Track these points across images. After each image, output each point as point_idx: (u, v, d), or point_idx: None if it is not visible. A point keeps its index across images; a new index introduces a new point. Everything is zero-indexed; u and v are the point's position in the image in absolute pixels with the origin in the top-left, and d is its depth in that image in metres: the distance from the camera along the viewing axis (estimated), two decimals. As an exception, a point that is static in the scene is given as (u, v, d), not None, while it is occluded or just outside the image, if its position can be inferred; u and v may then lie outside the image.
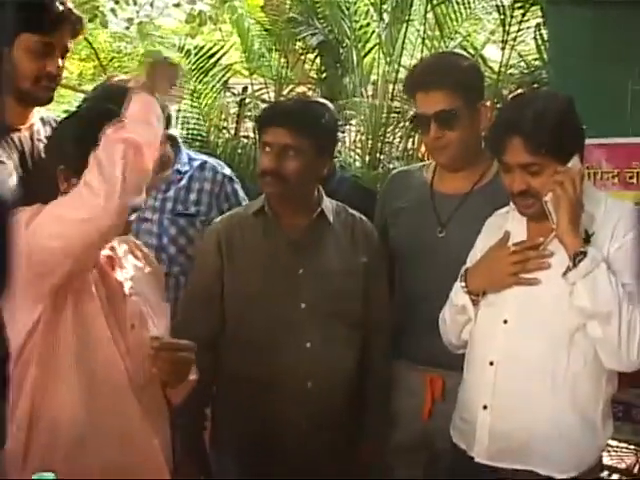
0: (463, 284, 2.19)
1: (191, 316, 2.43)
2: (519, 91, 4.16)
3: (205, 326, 2.40)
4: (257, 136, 2.49)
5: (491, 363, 2.12)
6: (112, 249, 2.02)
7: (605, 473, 3.44)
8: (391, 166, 4.79)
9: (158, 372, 1.95)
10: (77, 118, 2.08)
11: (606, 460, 2.98)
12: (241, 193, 2.88)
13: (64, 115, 2.40)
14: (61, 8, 2.21)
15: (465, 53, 4.93)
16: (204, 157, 2.97)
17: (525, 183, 2.06)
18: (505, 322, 2.13)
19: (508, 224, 2.21)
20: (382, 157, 4.97)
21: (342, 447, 2.43)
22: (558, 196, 2.01)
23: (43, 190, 1.99)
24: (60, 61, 2.25)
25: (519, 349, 2.10)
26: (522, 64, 4.88)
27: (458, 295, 2.21)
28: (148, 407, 1.95)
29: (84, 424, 1.85)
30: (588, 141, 2.17)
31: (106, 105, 1.96)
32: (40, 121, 2.35)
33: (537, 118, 2.02)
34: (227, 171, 2.90)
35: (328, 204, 2.49)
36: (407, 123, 4.65)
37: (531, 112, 2.03)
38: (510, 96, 3.05)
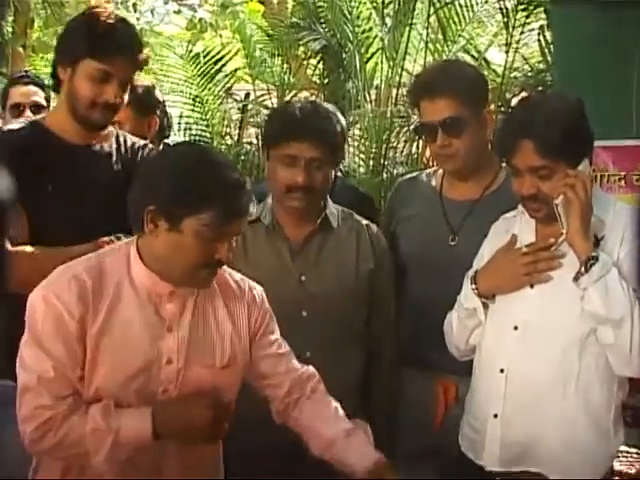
0: (473, 286, 2.17)
1: None
2: (524, 94, 4.14)
3: None
4: (271, 148, 2.36)
5: (501, 371, 2.09)
6: (158, 309, 1.87)
7: (615, 479, 3.41)
8: (395, 171, 4.77)
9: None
10: (174, 162, 1.87)
11: (615, 465, 2.94)
12: None
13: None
14: (124, 40, 2.27)
15: (468, 57, 4.93)
16: None
17: (535, 187, 2.04)
18: (515, 328, 2.10)
19: (515, 228, 2.19)
20: (386, 162, 4.95)
21: None
22: (569, 199, 1.98)
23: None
24: (119, 91, 2.29)
25: (530, 356, 2.07)
26: (526, 67, 4.87)
27: (468, 298, 2.18)
28: None
29: None
30: (595, 143, 2.15)
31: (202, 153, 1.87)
32: (115, 139, 2.41)
33: (548, 121, 1.99)
34: None
35: (333, 210, 2.46)
36: (411, 128, 4.62)
37: (542, 115, 2.01)
38: (518, 99, 3.02)
